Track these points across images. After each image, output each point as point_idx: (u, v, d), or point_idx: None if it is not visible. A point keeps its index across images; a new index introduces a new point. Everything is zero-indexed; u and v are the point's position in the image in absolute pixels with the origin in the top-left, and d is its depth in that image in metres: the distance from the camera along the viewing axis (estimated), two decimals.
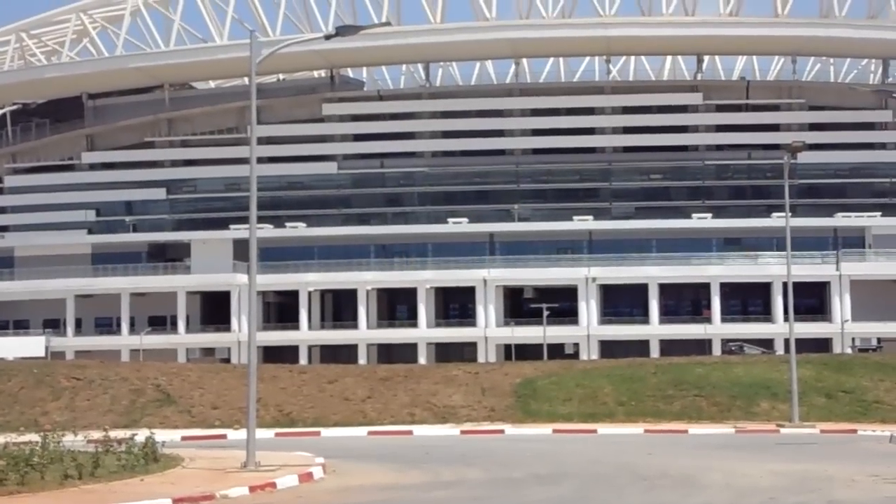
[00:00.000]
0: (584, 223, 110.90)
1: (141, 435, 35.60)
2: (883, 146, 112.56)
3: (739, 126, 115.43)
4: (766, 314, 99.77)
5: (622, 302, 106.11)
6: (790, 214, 66.13)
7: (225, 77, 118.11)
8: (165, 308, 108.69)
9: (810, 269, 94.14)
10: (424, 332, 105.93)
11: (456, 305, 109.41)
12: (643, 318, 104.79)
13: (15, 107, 56.00)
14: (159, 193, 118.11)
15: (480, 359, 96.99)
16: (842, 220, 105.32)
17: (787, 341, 58.73)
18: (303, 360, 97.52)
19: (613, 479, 31.43)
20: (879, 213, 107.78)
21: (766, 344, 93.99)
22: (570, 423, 54.77)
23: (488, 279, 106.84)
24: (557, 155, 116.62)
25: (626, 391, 61.15)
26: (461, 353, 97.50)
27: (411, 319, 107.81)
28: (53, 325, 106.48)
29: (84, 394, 58.76)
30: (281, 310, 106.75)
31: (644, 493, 27.76)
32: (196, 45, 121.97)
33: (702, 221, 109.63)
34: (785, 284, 70.11)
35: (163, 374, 66.66)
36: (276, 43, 60.83)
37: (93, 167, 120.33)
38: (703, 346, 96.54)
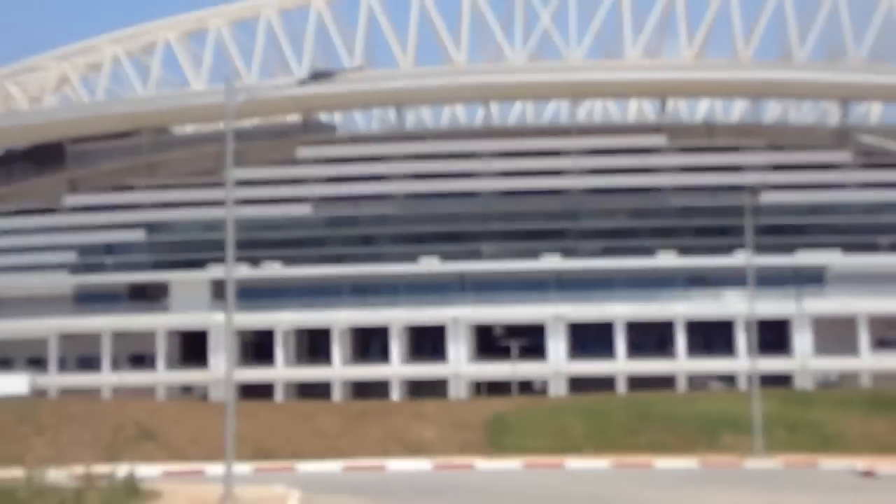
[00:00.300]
0: (551, 262, 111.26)
1: (122, 470, 36.16)
2: (842, 186, 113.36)
3: (703, 167, 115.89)
4: (728, 351, 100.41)
5: (589, 338, 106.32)
6: (752, 253, 67.03)
7: (202, 121, 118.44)
8: (145, 346, 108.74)
9: (772, 306, 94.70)
10: (397, 368, 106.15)
11: (427, 343, 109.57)
12: (609, 354, 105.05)
13: None
14: (139, 235, 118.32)
15: (451, 394, 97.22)
16: (802, 258, 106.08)
17: (749, 378, 59.50)
18: (279, 397, 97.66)
19: None
20: (840, 251, 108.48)
21: (729, 380, 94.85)
22: (540, 456, 54.82)
23: (458, 318, 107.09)
24: (526, 196, 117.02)
25: (594, 425, 61.75)
26: (433, 389, 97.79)
27: (384, 357, 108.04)
28: (37, 363, 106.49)
29: (67, 430, 59.16)
30: (257, 348, 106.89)
31: None
32: (174, 91, 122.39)
33: (666, 260, 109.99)
34: (748, 322, 71.08)
35: (143, 410, 67.39)
36: (251, 88, 61.83)
37: (74, 210, 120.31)
38: (668, 381, 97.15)
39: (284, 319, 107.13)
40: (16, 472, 34.32)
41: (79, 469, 35.69)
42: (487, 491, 39.55)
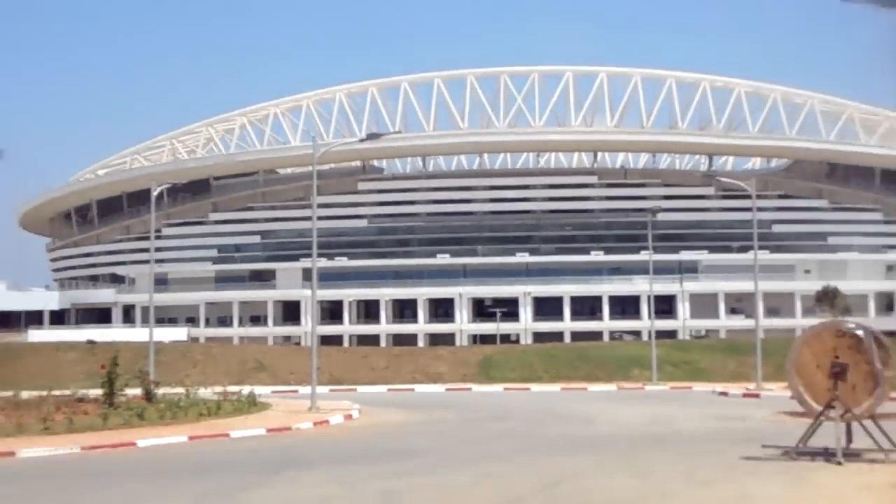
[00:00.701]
0: (522, 258, 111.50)
1: (246, 390, 36.48)
2: (709, 210, 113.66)
3: (620, 197, 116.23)
4: (636, 315, 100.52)
5: (547, 307, 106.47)
6: (652, 252, 67.16)
7: (297, 165, 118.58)
8: (260, 311, 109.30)
9: (664, 286, 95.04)
10: (422, 326, 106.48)
11: (442, 310, 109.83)
12: (560, 317, 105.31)
13: (168, 185, 56.45)
14: (256, 239, 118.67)
15: (457, 343, 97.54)
16: (683, 255, 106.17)
17: (649, 332, 59.50)
18: (345, 344, 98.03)
19: (541, 417, 32.21)
20: (707, 251, 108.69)
21: (636, 334, 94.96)
22: (514, 383, 54.90)
23: (462, 293, 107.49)
24: (506, 215, 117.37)
25: (549, 363, 61.53)
26: (445, 339, 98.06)
27: (413, 318, 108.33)
28: (191, 320, 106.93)
29: (211, 363, 59.31)
30: (332, 312, 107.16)
31: (561, 426, 28.47)
32: (279, 146, 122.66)
33: (597, 257, 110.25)
34: (648, 297, 71.14)
35: (259, 352, 67.46)
36: (328, 144, 62.15)
37: (216, 223, 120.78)
38: (597, 335, 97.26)
39: (349, 293, 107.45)
40: (179, 390, 34.63)
41: (218, 388, 35.93)
42: (479, 403, 39.79)
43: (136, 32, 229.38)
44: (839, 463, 18.02)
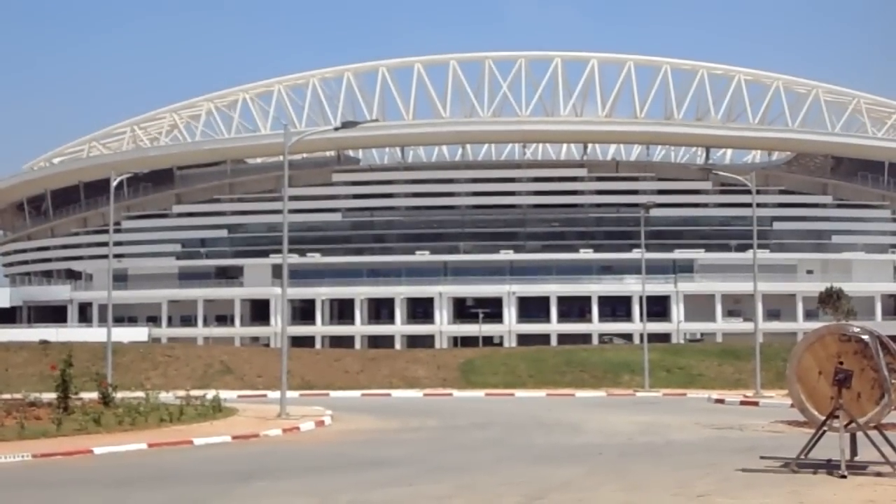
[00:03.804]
0: (506, 255, 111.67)
1: (210, 394, 36.44)
2: (706, 205, 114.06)
3: (611, 191, 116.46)
4: (627, 317, 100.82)
5: (532, 308, 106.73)
6: (645, 250, 67.20)
7: (267, 155, 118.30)
8: (227, 309, 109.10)
9: (657, 287, 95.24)
10: (399, 327, 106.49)
11: (420, 310, 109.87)
12: (546, 319, 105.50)
13: (128, 175, 56.34)
14: (223, 233, 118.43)
15: (437, 346, 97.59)
16: (678, 254, 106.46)
17: (641, 335, 59.71)
18: (317, 345, 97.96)
19: (525, 425, 32.26)
20: (703, 250, 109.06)
21: (628, 337, 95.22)
22: (497, 389, 54.90)
23: (442, 293, 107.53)
24: (489, 209, 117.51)
25: (534, 367, 61.69)
26: (424, 342, 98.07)
27: (390, 319, 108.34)
28: (153, 319, 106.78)
29: (173, 365, 59.27)
30: (303, 311, 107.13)
31: (546, 435, 28.55)
32: (248, 134, 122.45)
33: (586, 254, 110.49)
34: (641, 298, 71.34)
35: (225, 353, 67.32)
36: (301, 133, 61.90)
37: (179, 215, 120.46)
38: (586, 337, 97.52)
39: (321, 292, 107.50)
40: (138, 394, 34.58)
41: (181, 392, 36.01)
42: (460, 410, 39.77)
43: (95, 11, 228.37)
44: (843, 476, 18.08)
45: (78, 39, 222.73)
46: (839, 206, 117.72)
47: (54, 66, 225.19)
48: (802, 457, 19.26)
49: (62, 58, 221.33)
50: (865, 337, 19.72)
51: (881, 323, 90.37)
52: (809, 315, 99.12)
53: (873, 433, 19.47)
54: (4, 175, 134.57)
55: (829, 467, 18.72)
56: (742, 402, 43.77)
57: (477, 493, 16.36)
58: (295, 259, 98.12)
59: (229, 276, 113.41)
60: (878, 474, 18.30)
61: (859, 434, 19.55)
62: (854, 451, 19.49)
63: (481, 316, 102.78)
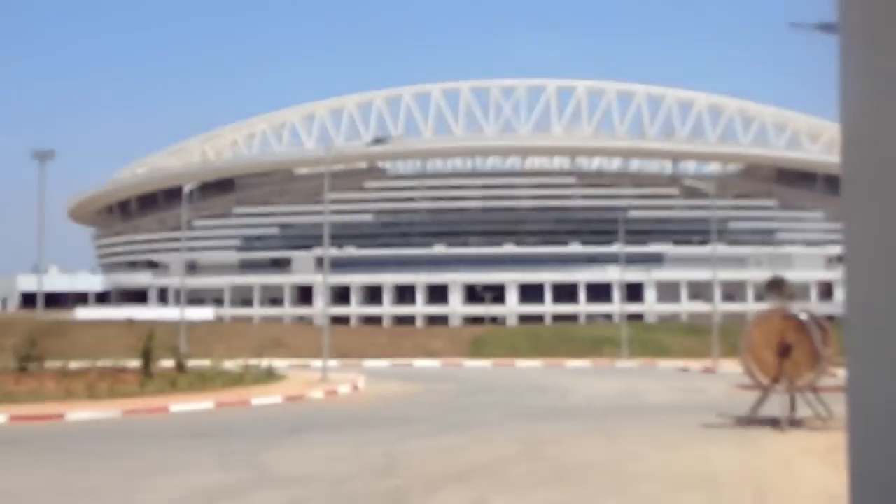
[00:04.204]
0: (509, 249, 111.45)
1: (264, 362, 36.49)
2: (673, 208, 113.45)
3: (596, 196, 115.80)
4: (609, 300, 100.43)
5: (530, 293, 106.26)
6: (623, 245, 67.27)
7: (311, 166, 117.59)
8: (278, 294, 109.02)
9: (633, 275, 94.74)
10: (420, 308, 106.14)
11: (438, 294, 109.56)
12: (542, 301, 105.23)
13: (197, 183, 57.12)
14: (275, 230, 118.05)
15: (451, 324, 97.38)
16: (651, 248, 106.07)
17: (620, 315, 59.57)
18: (352, 324, 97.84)
19: (524, 389, 32.28)
20: (671, 244, 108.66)
21: (609, 317, 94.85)
22: (501, 359, 54.89)
23: (456, 280, 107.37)
24: (495, 211, 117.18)
25: (532, 342, 61.74)
26: (440, 321, 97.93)
27: (412, 301, 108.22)
28: (218, 301, 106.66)
29: (234, 339, 59.31)
30: (340, 295, 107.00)
31: (542, 397, 28.52)
32: (296, 149, 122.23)
33: (575, 248, 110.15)
34: (620, 284, 71.31)
35: (277, 330, 67.66)
36: (339, 148, 62.37)
37: (239, 216, 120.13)
38: (575, 317, 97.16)
39: (356, 279, 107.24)
40: (206, 363, 34.75)
41: (241, 361, 36.01)
42: (470, 377, 39.87)
43: (171, 47, 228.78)
44: (784, 430, 18.13)
45: (157, 71, 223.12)
46: (782, 209, 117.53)
47: (139, 90, 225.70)
48: (751, 414, 19.33)
49: (144, 83, 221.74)
50: (803, 316, 19.81)
51: (816, 305, 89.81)
52: (758, 299, 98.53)
53: (809, 395, 19.53)
54: (99, 183, 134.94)
55: (773, 423, 18.77)
56: (703, 370, 43.73)
57: (487, 444, 16.44)
58: (334, 252, 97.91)
59: (280, 266, 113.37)
60: (813, 428, 18.35)
61: (798, 396, 19.59)
62: (793, 410, 19.54)
63: (488, 299, 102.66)
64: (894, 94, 4.51)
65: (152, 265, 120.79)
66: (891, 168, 4.85)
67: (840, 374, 24.26)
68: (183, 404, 24.13)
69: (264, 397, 26.86)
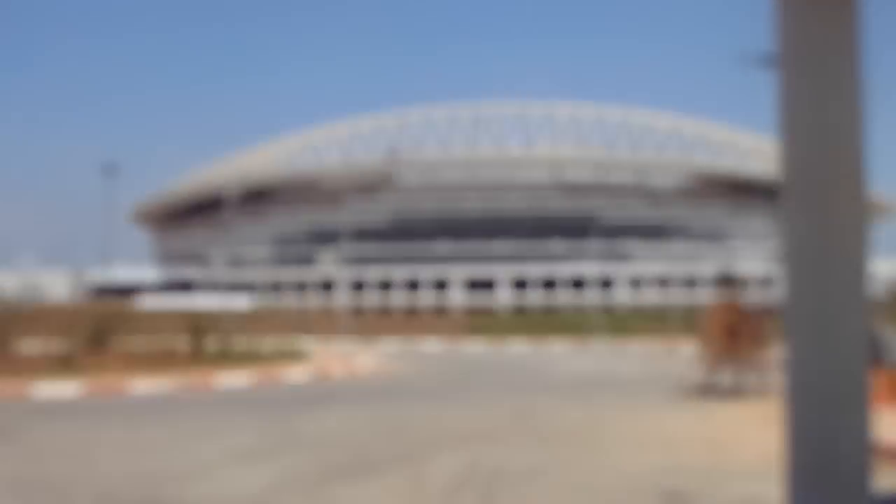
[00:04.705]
0: (502, 247, 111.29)
1: (295, 344, 36.52)
2: (639, 211, 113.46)
3: (575, 202, 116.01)
4: (586, 290, 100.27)
5: (520, 285, 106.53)
6: (598, 244, 67.12)
7: (334, 177, 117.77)
8: (305, 286, 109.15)
9: (607, 269, 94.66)
10: (426, 298, 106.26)
11: (442, 286, 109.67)
12: (529, 291, 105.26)
13: (240, 192, 56.65)
14: (303, 232, 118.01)
15: (453, 312, 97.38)
16: (621, 246, 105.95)
17: (596, 304, 59.53)
18: (369, 312, 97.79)
19: (515, 367, 32.24)
20: (639, 243, 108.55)
21: (585, 307, 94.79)
22: (494, 342, 55.24)
23: (457, 273, 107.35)
24: (492, 218, 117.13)
25: (522, 327, 61.93)
26: (444, 309, 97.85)
27: (419, 293, 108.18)
28: (255, 292, 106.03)
29: (269, 324, 59.17)
30: (358, 286, 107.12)
31: (529, 374, 28.52)
32: (320, 161, 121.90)
33: (557, 246, 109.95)
34: (597, 277, 71.07)
35: (306, 316, 67.65)
36: (357, 161, 62.30)
37: (273, 219, 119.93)
38: (556, 307, 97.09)
39: (371, 274, 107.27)
40: (245, 344, 34.75)
41: (275, 343, 36.07)
42: (469, 358, 39.85)
43: (212, 75, 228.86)
44: (733, 400, 18.18)
45: (205, 90, 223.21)
46: (732, 214, 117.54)
47: (189, 111, 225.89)
48: (706, 387, 19.39)
49: (196, 105, 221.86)
50: (749, 305, 19.88)
51: (759, 295, 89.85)
52: (711, 289, 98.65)
53: (753, 370, 19.57)
54: (154, 190, 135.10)
55: (723, 394, 18.83)
56: (666, 351, 43.78)
57: (482, 413, 16.54)
58: (353, 250, 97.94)
59: (307, 261, 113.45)
60: (756, 398, 18.40)
61: (746, 370, 19.65)
62: (741, 383, 19.60)
63: (484, 291, 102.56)
64: (826, 118, 4.56)
65: (201, 261, 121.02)
66: (820, 181, 4.92)
67: (778, 351, 24.17)
68: (227, 378, 24.21)
69: (294, 374, 26.87)
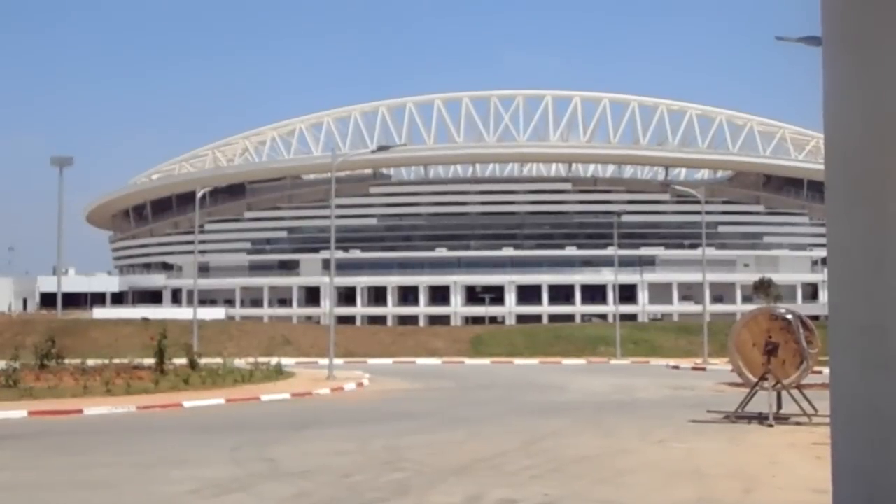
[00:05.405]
0: (508, 252, 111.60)
1: (273, 360, 36.46)
2: (665, 213, 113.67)
3: (590, 201, 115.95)
4: (603, 301, 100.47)
5: (528, 294, 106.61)
6: (617, 248, 67.27)
7: (318, 172, 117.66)
8: (286, 294, 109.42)
9: (627, 277, 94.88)
10: (423, 309, 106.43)
11: (440, 295, 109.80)
12: (539, 302, 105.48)
13: (210, 188, 57.03)
14: (284, 234, 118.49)
15: (452, 323, 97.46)
16: (643, 251, 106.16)
17: (614, 315, 59.56)
18: (358, 324, 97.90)
19: (522, 386, 32.26)
20: (663, 248, 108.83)
21: (603, 317, 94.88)
22: (500, 357, 54.76)
23: (457, 281, 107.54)
24: (494, 215, 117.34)
25: (530, 341, 61.61)
26: (442, 320, 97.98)
27: (415, 302, 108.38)
28: (229, 302, 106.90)
29: (244, 338, 59.24)
30: (346, 296, 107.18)
31: (539, 394, 28.48)
32: (303, 156, 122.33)
33: (570, 251, 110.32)
34: (614, 285, 71.22)
35: (285, 329, 67.53)
36: (344, 154, 62.26)
37: (250, 220, 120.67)
38: (570, 317, 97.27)
39: (361, 281, 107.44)
40: (218, 360, 34.73)
41: (250, 359, 36.07)
42: (470, 375, 39.84)
43: (182, 59, 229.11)
44: (770, 425, 18.12)
45: (174, 78, 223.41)
46: (769, 213, 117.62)
47: (151, 99, 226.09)
48: (739, 410, 19.31)
49: (157, 92, 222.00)
50: (789, 316, 19.78)
51: (801, 306, 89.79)
52: (746, 300, 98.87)
53: (795, 392, 19.51)
54: (115, 188, 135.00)
55: (760, 418, 18.76)
56: (693, 368, 43.73)
57: (485, 439, 16.44)
58: (340, 254, 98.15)
59: (288, 267, 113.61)
60: (798, 423, 18.33)
61: (784, 393, 19.58)
62: (779, 406, 19.53)
63: (487, 300, 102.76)
64: (875, 104, 4.46)
65: (166, 267, 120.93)
66: (872, 175, 4.80)
67: (824, 372, 24.23)
68: (195, 400, 24.14)
69: (273, 394, 26.85)
